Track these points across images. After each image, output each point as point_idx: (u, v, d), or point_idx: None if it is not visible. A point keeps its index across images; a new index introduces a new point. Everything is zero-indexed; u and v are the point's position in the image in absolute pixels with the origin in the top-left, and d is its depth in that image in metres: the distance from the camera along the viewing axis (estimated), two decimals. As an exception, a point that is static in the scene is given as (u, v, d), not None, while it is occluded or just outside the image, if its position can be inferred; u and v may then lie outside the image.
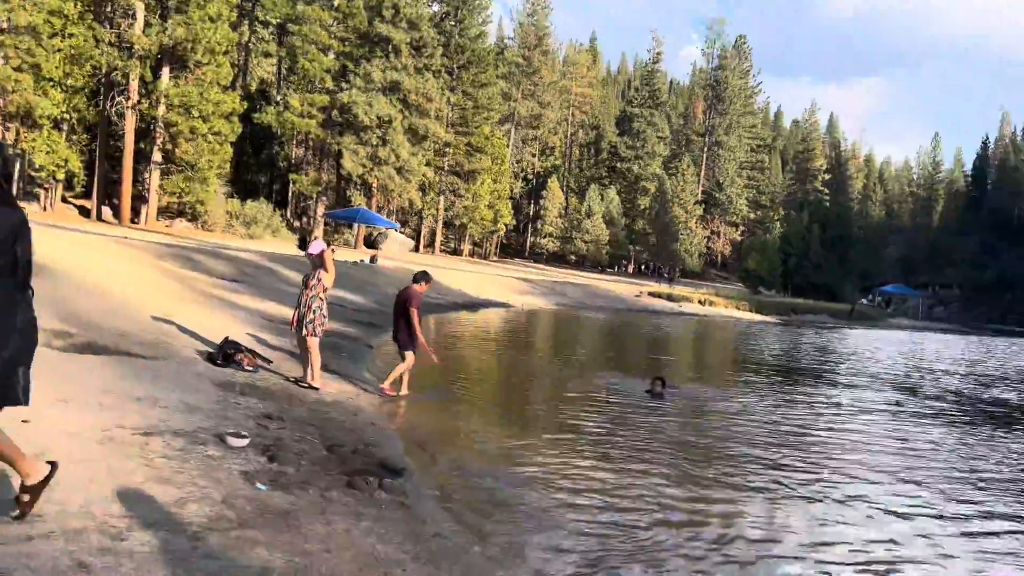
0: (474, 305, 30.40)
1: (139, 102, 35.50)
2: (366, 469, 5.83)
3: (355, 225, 47.63)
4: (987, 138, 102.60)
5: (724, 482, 7.13)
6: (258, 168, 55.93)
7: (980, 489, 7.78)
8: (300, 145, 56.91)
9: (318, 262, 8.79)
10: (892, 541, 5.88)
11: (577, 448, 7.98)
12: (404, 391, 9.76)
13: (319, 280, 8.71)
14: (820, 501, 6.78)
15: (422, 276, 10.07)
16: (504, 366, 15.09)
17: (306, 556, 3.84)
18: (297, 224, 55.35)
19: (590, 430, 8.99)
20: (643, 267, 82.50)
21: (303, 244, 35.47)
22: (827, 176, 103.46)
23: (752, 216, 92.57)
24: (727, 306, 46.62)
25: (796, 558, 5.37)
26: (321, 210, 49.44)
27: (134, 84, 35.11)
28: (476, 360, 15.22)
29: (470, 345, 17.48)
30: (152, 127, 36.63)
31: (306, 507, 4.61)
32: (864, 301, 72.92)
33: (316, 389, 8.64)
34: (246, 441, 5.75)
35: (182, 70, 36.64)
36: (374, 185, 51.47)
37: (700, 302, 45.95)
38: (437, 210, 62.80)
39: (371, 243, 52.40)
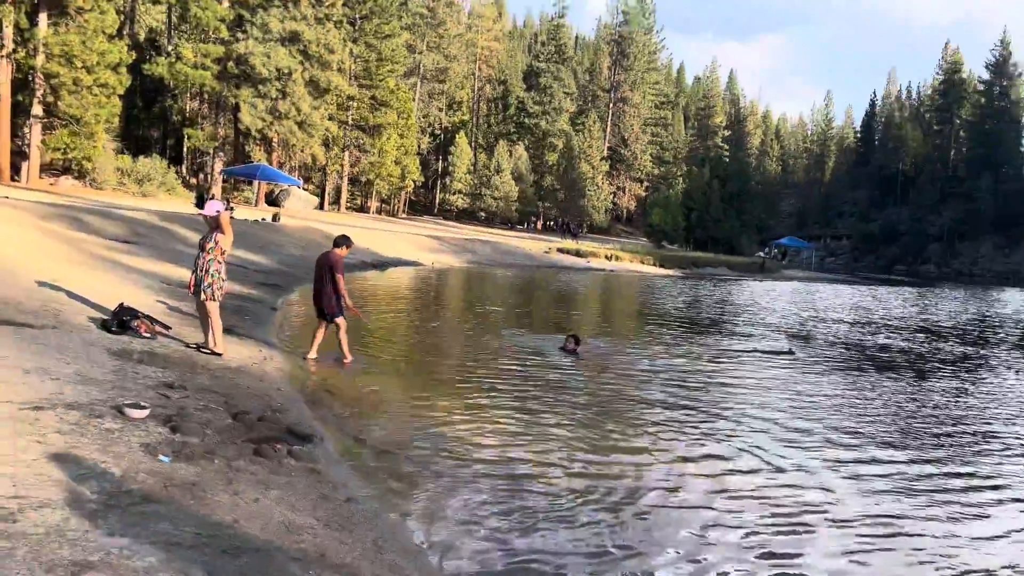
0: (384, 264, 30.05)
1: (15, 51, 32.94)
2: (274, 436, 5.72)
3: (255, 182, 46.04)
4: (875, 95, 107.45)
5: (639, 443, 7.36)
6: (150, 123, 53.09)
7: (868, 429, 8.31)
8: (195, 98, 54.24)
9: (214, 224, 8.47)
10: (810, 488, 6.23)
11: (491, 409, 8.05)
12: (313, 354, 9.66)
13: (216, 243, 8.40)
14: (740, 454, 7.10)
15: (343, 240, 9.93)
16: (415, 326, 15.01)
17: (214, 528, 3.76)
18: (194, 181, 53.12)
19: (504, 390, 9.09)
20: (551, 223, 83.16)
21: (200, 202, 34.07)
22: (727, 132, 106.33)
23: (656, 172, 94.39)
24: (633, 260, 47.65)
25: (713, 518, 5.61)
26: (219, 167, 47.51)
27: (8, 31, 32.50)
28: (386, 320, 15.08)
29: (380, 305, 17.29)
30: (31, 78, 34.13)
31: (212, 478, 4.51)
32: (761, 254, 75.86)
33: (219, 355, 8.40)
34: (146, 412, 5.55)
35: (62, 16, 34.14)
36: (274, 140, 49.73)
37: (607, 257, 46.77)
38: (342, 166, 61.30)
39: (273, 201, 50.80)
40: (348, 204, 65.25)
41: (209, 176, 51.08)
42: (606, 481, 5.92)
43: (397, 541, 4.21)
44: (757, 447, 7.22)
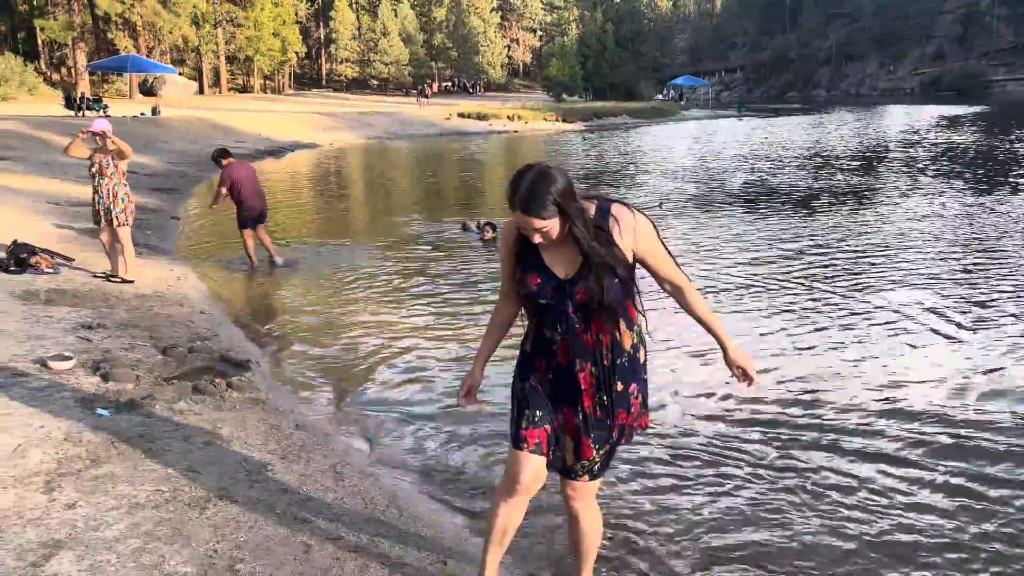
0: (279, 149, 28.92)
1: None
2: (209, 367, 5.69)
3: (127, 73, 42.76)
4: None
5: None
6: (-8, 15, 48.05)
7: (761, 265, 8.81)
8: (39, -18, 49.14)
9: (104, 146, 7.96)
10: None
11: (422, 308, 7.99)
12: (278, 260, 9.90)
13: (115, 167, 7.93)
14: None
15: (224, 153, 9.89)
16: (325, 219, 14.69)
17: (172, 482, 3.80)
18: (56, 77, 49.01)
19: (430, 287, 9.02)
20: (448, 84, 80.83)
21: (69, 103, 31.59)
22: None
23: (548, 19, 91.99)
24: (535, 118, 47.09)
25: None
26: (82, 60, 43.76)
27: None
28: (293, 215, 14.67)
29: (281, 196, 16.71)
30: None
31: (158, 426, 4.49)
32: (659, 96, 76.08)
33: (131, 282, 8.13)
34: (72, 362, 5.39)
35: None
36: (139, 24, 45.85)
37: (509, 118, 46.08)
38: (216, 44, 57.33)
39: (148, 90, 47.46)
40: (229, 85, 61.63)
41: (73, 71, 47.04)
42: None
43: (353, 465, 4.35)
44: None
